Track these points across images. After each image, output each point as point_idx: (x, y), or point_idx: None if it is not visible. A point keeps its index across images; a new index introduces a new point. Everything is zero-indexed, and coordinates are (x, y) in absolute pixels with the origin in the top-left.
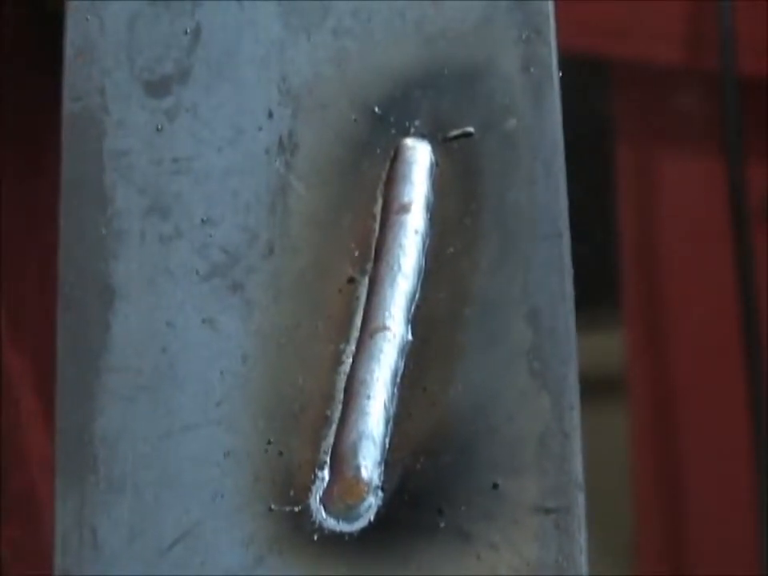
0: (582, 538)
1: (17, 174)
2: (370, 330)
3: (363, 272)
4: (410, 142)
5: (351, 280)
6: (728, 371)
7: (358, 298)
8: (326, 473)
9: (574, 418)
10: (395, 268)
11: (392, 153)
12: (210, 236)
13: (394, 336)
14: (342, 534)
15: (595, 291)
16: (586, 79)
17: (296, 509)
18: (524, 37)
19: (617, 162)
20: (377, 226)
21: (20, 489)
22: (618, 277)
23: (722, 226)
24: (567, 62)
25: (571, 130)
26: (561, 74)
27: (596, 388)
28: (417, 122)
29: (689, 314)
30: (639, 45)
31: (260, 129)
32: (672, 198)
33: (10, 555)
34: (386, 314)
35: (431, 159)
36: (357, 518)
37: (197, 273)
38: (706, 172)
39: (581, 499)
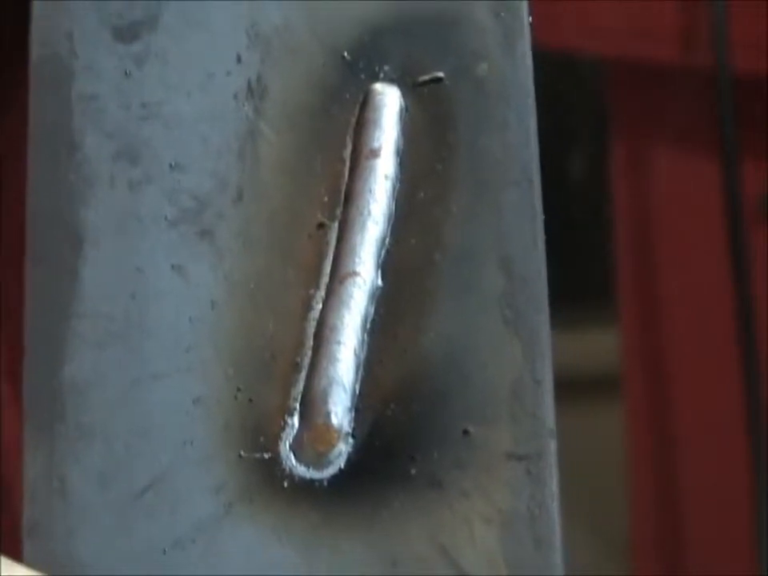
0: (553, 484)
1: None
2: (339, 275)
3: (333, 217)
4: (379, 86)
5: (321, 225)
6: (724, 369)
7: (327, 244)
8: (296, 420)
9: (546, 365)
10: (365, 213)
11: (361, 98)
12: (179, 182)
13: (365, 282)
14: (312, 481)
15: (591, 288)
16: (581, 78)
17: (266, 456)
18: None
19: (612, 160)
20: (346, 171)
21: None
22: (614, 274)
23: (718, 225)
24: (564, 61)
25: (567, 128)
26: (531, 20)
27: (593, 386)
28: (386, 68)
29: (685, 312)
30: (634, 44)
31: (228, 74)
32: (667, 197)
33: None
34: (356, 259)
35: (401, 104)
36: (327, 464)
37: (166, 219)
38: (702, 171)
39: (552, 446)
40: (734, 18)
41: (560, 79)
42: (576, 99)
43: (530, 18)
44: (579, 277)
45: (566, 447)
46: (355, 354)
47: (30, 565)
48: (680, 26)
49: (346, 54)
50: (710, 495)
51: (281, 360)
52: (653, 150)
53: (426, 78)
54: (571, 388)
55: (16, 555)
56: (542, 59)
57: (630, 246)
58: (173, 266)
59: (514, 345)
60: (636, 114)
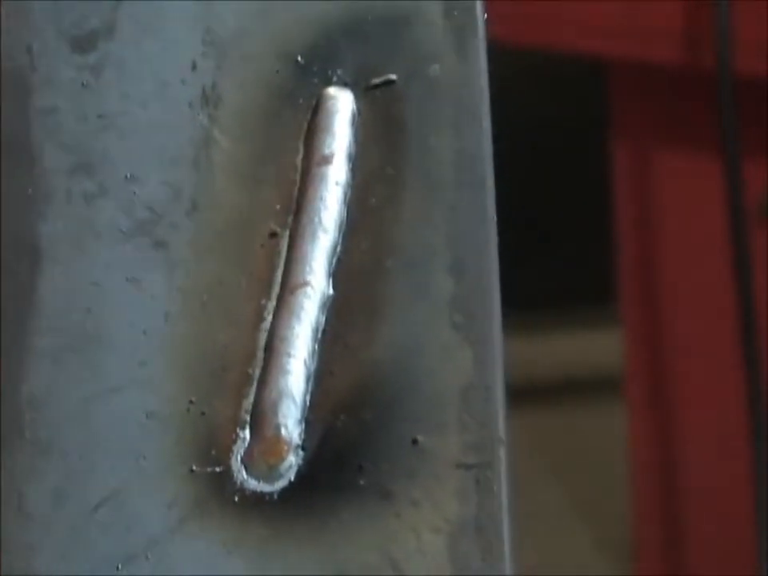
0: (502, 494)
1: None
2: (290, 285)
3: (285, 226)
4: (331, 91)
5: (273, 234)
6: (726, 370)
7: (279, 253)
8: (247, 432)
9: (497, 372)
10: (315, 221)
11: (314, 102)
12: (134, 193)
13: (315, 292)
14: (263, 495)
15: (593, 289)
16: (583, 78)
17: (218, 469)
18: None
19: (614, 161)
20: (299, 178)
21: None
22: (616, 274)
23: (720, 226)
24: (565, 61)
25: (568, 129)
26: (486, 17)
27: (595, 386)
28: (339, 71)
29: (687, 312)
30: (636, 44)
31: (184, 82)
32: (669, 197)
33: None
34: (307, 269)
35: (353, 109)
36: (278, 477)
37: (121, 231)
38: (704, 171)
39: (502, 454)
40: (737, 19)
41: (561, 80)
42: (577, 100)
43: (485, 16)
44: (581, 277)
45: (568, 447)
46: (305, 366)
47: None
48: (683, 27)
49: (299, 58)
50: (712, 496)
51: (233, 371)
52: (655, 150)
53: (379, 80)
54: (572, 388)
55: None
56: (542, 59)
57: (632, 246)
58: (128, 279)
59: (464, 350)
60: (638, 114)
